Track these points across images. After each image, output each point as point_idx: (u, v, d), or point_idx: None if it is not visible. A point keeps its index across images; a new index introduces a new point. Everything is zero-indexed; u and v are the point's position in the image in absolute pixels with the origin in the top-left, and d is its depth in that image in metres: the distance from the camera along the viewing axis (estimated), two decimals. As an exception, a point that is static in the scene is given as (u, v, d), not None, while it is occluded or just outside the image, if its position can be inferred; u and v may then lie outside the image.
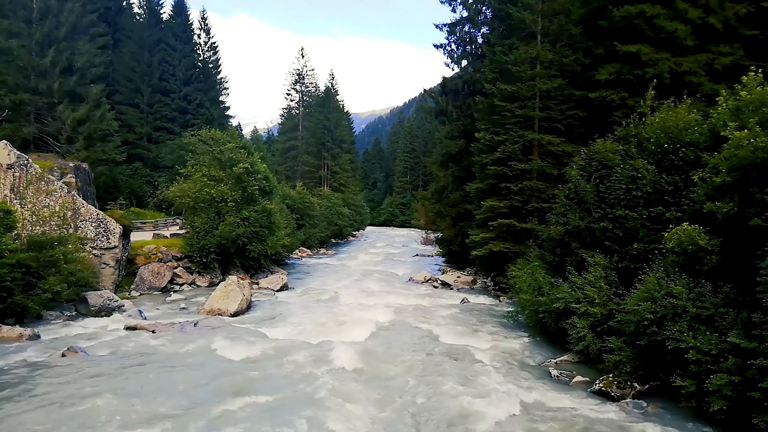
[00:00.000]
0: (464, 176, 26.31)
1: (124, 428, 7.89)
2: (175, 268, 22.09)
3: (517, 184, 20.02)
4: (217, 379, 10.20)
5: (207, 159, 24.50)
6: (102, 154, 31.65)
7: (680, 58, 16.63)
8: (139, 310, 16.43)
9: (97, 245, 18.70)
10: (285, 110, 70.92)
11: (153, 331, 13.77)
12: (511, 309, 17.34)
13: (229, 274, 21.74)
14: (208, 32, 50.81)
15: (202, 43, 50.37)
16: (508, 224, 20.11)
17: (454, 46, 29.15)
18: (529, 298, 13.95)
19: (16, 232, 15.21)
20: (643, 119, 13.24)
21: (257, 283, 22.62)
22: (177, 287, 21.36)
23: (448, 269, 28.94)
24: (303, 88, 69.00)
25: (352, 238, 61.29)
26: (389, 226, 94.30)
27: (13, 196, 17.45)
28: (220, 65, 52.36)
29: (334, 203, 51.61)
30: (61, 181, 19.76)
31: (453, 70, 30.30)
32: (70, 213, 18.11)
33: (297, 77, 68.64)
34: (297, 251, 36.92)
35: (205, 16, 51.11)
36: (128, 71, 43.76)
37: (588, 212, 13.02)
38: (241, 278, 20.02)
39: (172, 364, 11.05)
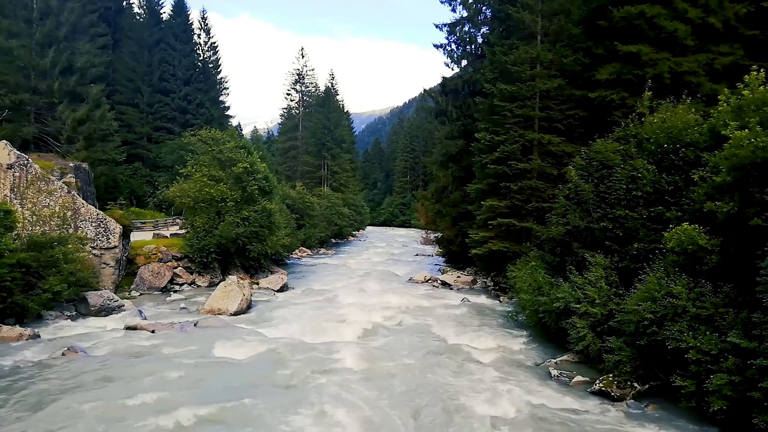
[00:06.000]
0: (464, 176, 26.32)
1: (124, 428, 7.89)
2: (175, 268, 22.09)
3: (517, 184, 20.02)
4: (216, 379, 10.20)
5: (207, 159, 24.49)
6: (102, 154, 31.65)
7: (680, 58, 16.61)
8: (139, 310, 16.42)
9: (97, 245, 18.70)
10: (285, 110, 70.91)
11: (153, 331, 13.77)
12: (511, 309, 17.34)
13: (229, 274, 21.75)
14: (208, 32, 50.81)
15: (202, 43, 50.35)
16: (508, 223, 20.13)
17: (454, 46, 29.17)
18: (529, 298, 13.95)
19: (16, 232, 15.19)
20: (642, 119, 13.24)
21: (257, 283, 22.62)
22: (177, 287, 21.35)
23: (448, 269, 28.94)
24: (303, 88, 68.96)
25: (352, 238, 61.30)
26: (389, 226, 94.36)
27: (13, 196, 17.45)
28: (220, 65, 52.36)
29: (334, 203, 51.61)
30: (61, 181, 19.76)
31: (453, 70, 30.36)
32: (70, 213, 18.10)
33: (297, 77, 68.63)
34: (297, 251, 36.93)
35: (205, 16, 51.16)
36: (128, 71, 43.76)
37: (588, 212, 13.01)
38: (241, 278, 20.02)
39: (172, 364, 11.04)
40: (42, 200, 17.62)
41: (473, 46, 28.96)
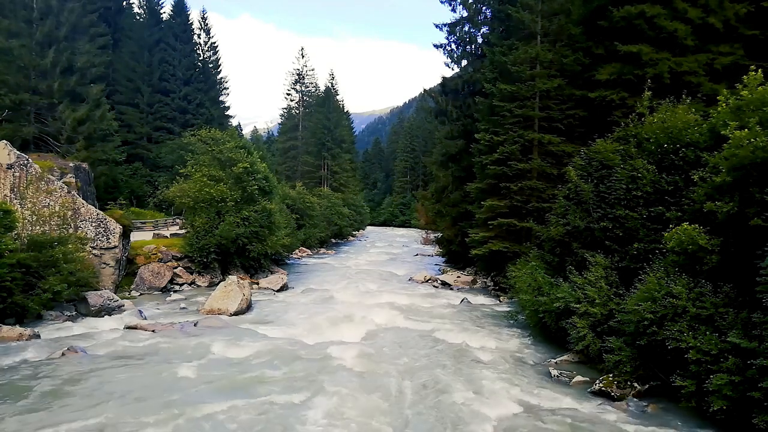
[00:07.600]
0: (464, 176, 26.32)
1: (124, 428, 7.89)
2: (175, 268, 22.08)
3: (517, 184, 20.03)
4: (216, 379, 10.20)
5: (207, 159, 24.49)
6: (102, 154, 31.67)
7: (680, 58, 16.62)
8: (139, 310, 16.41)
9: (97, 245, 18.69)
10: (285, 110, 70.95)
11: (153, 331, 13.76)
12: (511, 309, 17.34)
13: (229, 274, 21.74)
14: (208, 32, 50.87)
15: (202, 43, 50.42)
16: (508, 223, 20.13)
17: (454, 46, 29.20)
18: (529, 298, 13.94)
19: (16, 232, 15.18)
20: (642, 119, 13.25)
21: (257, 283, 22.61)
22: (177, 287, 21.34)
23: (448, 269, 28.94)
24: (303, 88, 69.01)
25: (352, 238, 61.31)
26: (389, 226, 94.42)
27: (13, 196, 17.44)
28: (220, 65, 52.43)
29: (334, 203, 51.61)
30: (61, 181, 19.76)
31: (453, 70, 30.40)
32: (70, 213, 18.09)
33: (297, 77, 68.67)
34: (297, 251, 36.93)
35: (205, 16, 51.22)
36: (128, 71, 43.80)
37: (588, 212, 13.01)
38: (241, 278, 20.02)
39: (172, 364, 11.03)
40: (42, 200, 17.60)
41: (473, 46, 28.98)
